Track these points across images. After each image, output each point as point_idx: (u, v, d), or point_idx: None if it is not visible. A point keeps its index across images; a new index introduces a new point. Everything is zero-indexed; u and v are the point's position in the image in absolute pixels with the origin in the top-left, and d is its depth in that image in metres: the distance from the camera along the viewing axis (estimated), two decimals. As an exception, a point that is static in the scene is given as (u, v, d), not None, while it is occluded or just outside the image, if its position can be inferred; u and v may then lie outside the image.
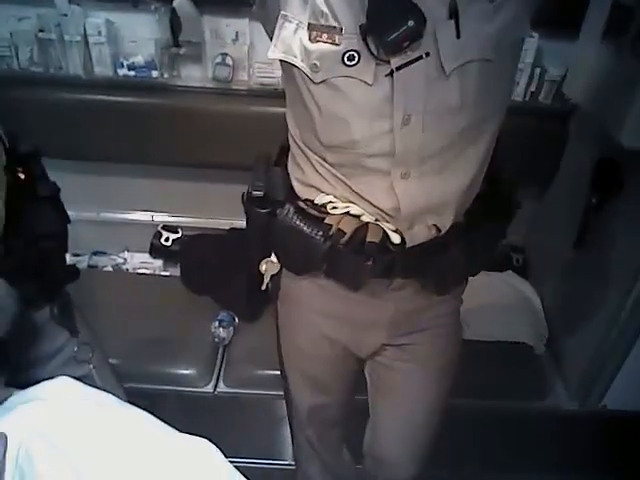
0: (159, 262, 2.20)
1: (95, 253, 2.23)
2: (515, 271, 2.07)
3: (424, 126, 0.79)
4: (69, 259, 2.13)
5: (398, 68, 0.75)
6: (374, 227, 0.89)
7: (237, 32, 1.79)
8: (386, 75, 0.76)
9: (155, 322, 1.80)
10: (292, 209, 0.93)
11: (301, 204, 0.94)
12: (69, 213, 1.95)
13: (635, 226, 1.53)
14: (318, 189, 0.92)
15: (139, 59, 1.80)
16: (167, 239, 2.15)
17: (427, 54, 0.74)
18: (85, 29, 1.73)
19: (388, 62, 0.75)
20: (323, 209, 0.92)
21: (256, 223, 1.01)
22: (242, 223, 2.24)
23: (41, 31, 1.73)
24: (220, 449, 0.71)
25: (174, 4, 1.69)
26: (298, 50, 0.79)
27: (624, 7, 1.35)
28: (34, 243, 0.93)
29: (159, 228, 2.17)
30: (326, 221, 0.90)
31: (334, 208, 0.91)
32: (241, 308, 1.86)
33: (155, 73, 1.81)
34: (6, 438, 0.60)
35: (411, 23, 0.70)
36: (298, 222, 0.92)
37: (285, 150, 1.00)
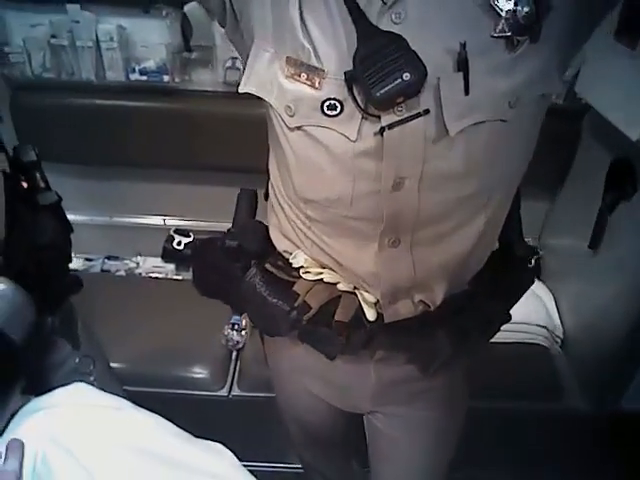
0: (171, 266, 2.21)
1: (108, 257, 2.24)
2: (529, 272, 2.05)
3: (420, 191, 0.66)
4: (81, 264, 2.17)
5: (390, 126, 0.61)
6: (347, 300, 0.78)
7: (247, 36, 1.79)
8: (375, 133, 0.63)
9: (168, 326, 1.80)
10: (259, 273, 0.83)
11: (269, 266, 0.84)
12: (81, 218, 1.96)
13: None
14: (294, 243, 0.82)
15: (151, 64, 1.81)
16: (179, 243, 2.15)
17: (426, 111, 0.61)
18: (97, 35, 1.74)
19: (378, 117, 0.62)
20: (295, 273, 0.81)
21: (229, 275, 0.89)
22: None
23: (53, 37, 1.75)
24: (235, 453, 0.72)
25: (185, 9, 1.70)
26: (272, 86, 0.67)
27: (636, 6, 1.34)
28: (34, 253, 0.92)
29: (171, 232, 2.17)
30: (294, 288, 0.79)
31: (307, 273, 0.80)
32: (253, 311, 1.86)
33: (167, 77, 1.82)
34: (23, 445, 0.60)
35: (407, 76, 0.57)
36: (264, 288, 0.82)
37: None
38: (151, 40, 1.79)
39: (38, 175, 0.99)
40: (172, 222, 2.20)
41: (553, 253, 2.05)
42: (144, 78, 1.82)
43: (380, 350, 0.86)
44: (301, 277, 0.80)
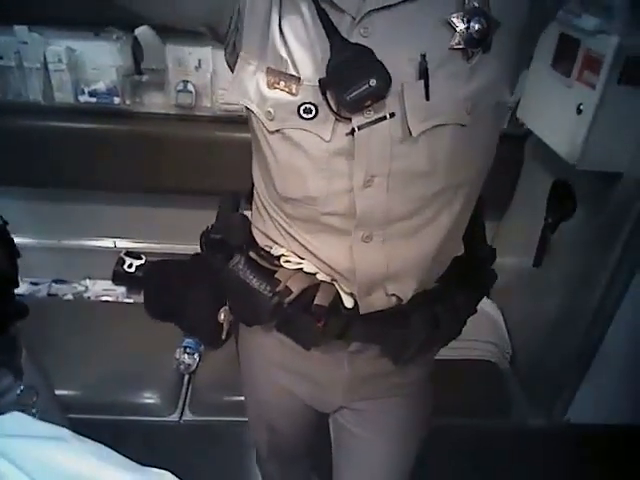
0: (122, 289, 2.17)
1: (55, 281, 2.18)
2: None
3: (389, 189, 0.73)
4: (27, 288, 2.10)
5: (360, 127, 0.69)
6: (326, 288, 0.83)
7: (200, 59, 1.81)
8: (347, 134, 0.70)
9: (119, 350, 1.77)
10: (243, 259, 0.88)
11: (253, 255, 0.89)
12: (29, 241, 1.91)
13: (589, 243, 1.58)
14: (274, 241, 0.87)
15: (101, 86, 1.80)
16: (130, 265, 2.12)
17: (392, 114, 0.68)
18: (45, 56, 1.73)
19: (349, 119, 0.69)
20: (277, 262, 0.86)
21: (212, 267, 0.94)
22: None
23: (0, 58, 1.72)
24: (185, 480, 0.70)
25: (136, 32, 1.70)
26: (254, 94, 0.75)
27: (571, 37, 1.42)
28: None
29: (122, 254, 2.14)
30: (276, 276, 0.84)
31: (287, 262, 0.85)
32: (206, 334, 1.84)
33: (117, 100, 1.81)
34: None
35: (373, 82, 0.65)
36: (247, 274, 0.87)
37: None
38: (101, 62, 1.78)
39: None
40: (123, 244, 2.17)
41: (500, 271, 2.09)
42: (94, 100, 1.81)
43: (355, 342, 0.90)
44: (282, 266, 0.85)
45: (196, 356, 1.80)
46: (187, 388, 1.79)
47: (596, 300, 1.58)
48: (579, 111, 1.39)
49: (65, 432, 0.70)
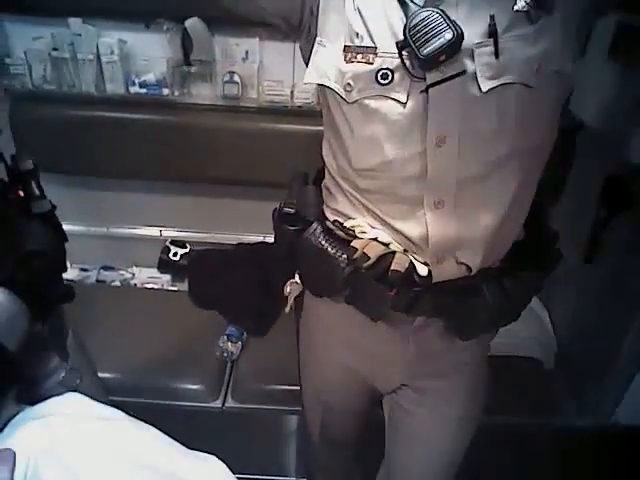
0: (167, 277, 2.21)
1: (103, 268, 2.24)
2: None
3: (459, 149, 0.77)
4: (77, 274, 2.17)
5: (433, 85, 0.73)
6: (401, 256, 0.86)
7: (247, 51, 1.82)
8: (421, 92, 0.75)
9: (163, 337, 1.81)
10: (319, 228, 0.92)
11: (329, 224, 0.92)
12: (78, 228, 1.96)
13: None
14: (348, 217, 0.91)
15: (150, 77, 1.83)
16: (175, 254, 2.16)
17: (464, 72, 0.73)
18: (98, 48, 1.77)
19: (423, 79, 0.74)
20: (351, 232, 0.90)
21: (283, 240, 0.99)
22: (250, 238, 2.26)
23: (54, 50, 1.77)
24: (228, 465, 0.72)
25: (186, 24, 1.72)
26: (332, 72, 0.80)
27: (629, 26, 1.36)
28: (25, 261, 0.92)
29: (167, 243, 2.18)
30: (352, 244, 0.88)
31: (362, 232, 0.88)
32: (249, 323, 1.87)
33: (166, 91, 1.84)
34: (14, 455, 0.60)
35: (448, 36, 0.70)
36: (324, 242, 0.91)
37: (321, 174, 1.00)
38: (151, 54, 1.81)
39: (34, 183, 0.99)
40: (168, 233, 2.21)
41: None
42: (144, 91, 1.84)
43: (420, 316, 0.93)
44: (357, 237, 0.89)
45: (239, 344, 1.82)
46: (229, 375, 1.81)
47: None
48: (636, 103, 1.33)
49: (120, 413, 0.73)
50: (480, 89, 0.73)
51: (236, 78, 1.85)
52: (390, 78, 0.76)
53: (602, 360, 1.69)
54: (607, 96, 1.49)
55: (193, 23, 1.72)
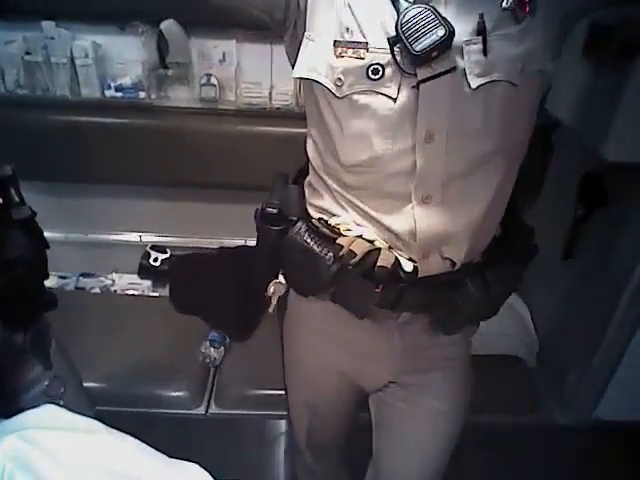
0: (148, 283, 2.18)
1: (82, 275, 2.21)
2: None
3: (447, 146, 0.78)
4: (55, 281, 2.13)
5: (424, 80, 0.75)
6: (387, 253, 0.87)
7: (224, 53, 1.81)
8: (412, 87, 0.76)
9: (145, 344, 1.78)
10: (304, 227, 0.93)
11: (314, 222, 0.93)
12: (56, 235, 1.93)
13: (620, 237, 1.55)
14: (332, 214, 0.92)
15: (126, 80, 1.81)
16: (156, 259, 2.14)
17: (454, 69, 0.75)
18: (72, 51, 1.74)
19: (414, 75, 0.75)
20: (336, 229, 0.90)
21: (266, 241, 0.99)
22: (231, 242, 2.24)
23: (27, 54, 1.74)
24: (211, 473, 0.71)
25: (161, 27, 1.71)
26: (322, 67, 0.80)
27: (601, 25, 1.38)
28: (6, 268, 0.90)
29: (147, 248, 2.16)
30: (338, 242, 0.88)
31: (347, 230, 0.89)
32: (232, 328, 1.85)
33: (142, 94, 1.82)
34: (-10, 468, 0.59)
35: (441, 32, 0.71)
36: (309, 240, 0.91)
37: (303, 172, 1.00)
38: (127, 57, 1.79)
39: (13, 190, 0.97)
40: (148, 238, 2.19)
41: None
42: (120, 95, 1.82)
43: (405, 312, 0.94)
44: (342, 234, 0.89)
45: (222, 349, 1.81)
46: (213, 381, 1.79)
47: (625, 294, 1.54)
48: (611, 101, 1.35)
49: (98, 425, 0.71)
50: (469, 86, 0.75)
51: (213, 80, 1.84)
52: (381, 73, 0.76)
53: (583, 357, 1.71)
54: (581, 95, 1.50)
55: (169, 25, 1.70)
